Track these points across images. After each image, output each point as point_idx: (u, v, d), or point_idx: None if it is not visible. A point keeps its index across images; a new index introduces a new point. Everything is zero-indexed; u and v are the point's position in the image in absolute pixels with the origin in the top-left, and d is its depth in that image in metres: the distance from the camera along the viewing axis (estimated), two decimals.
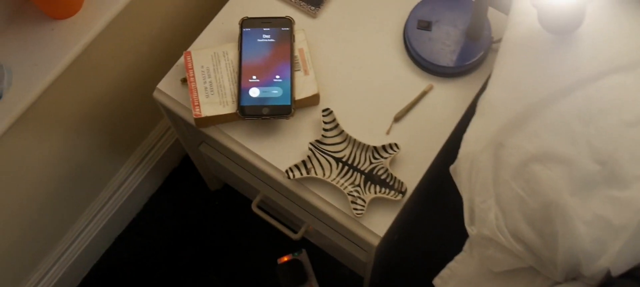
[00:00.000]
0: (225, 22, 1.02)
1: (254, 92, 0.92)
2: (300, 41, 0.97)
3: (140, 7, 1.03)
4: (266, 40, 0.96)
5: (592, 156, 0.70)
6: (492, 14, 0.99)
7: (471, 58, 0.96)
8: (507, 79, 0.80)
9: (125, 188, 1.25)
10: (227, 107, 0.93)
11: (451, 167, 0.83)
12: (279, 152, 0.93)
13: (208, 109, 0.92)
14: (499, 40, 0.86)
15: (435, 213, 1.28)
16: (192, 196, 1.34)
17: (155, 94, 0.99)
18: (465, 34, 0.98)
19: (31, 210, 1.06)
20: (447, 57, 0.96)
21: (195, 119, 0.93)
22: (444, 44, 0.97)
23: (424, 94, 0.97)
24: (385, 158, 0.90)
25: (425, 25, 0.99)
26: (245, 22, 0.98)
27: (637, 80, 0.74)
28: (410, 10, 1.01)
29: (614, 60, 0.75)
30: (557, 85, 0.75)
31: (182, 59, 0.97)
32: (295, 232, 1.07)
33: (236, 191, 1.29)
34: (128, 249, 1.30)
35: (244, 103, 0.92)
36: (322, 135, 0.92)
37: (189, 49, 0.98)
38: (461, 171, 0.80)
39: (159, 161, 1.29)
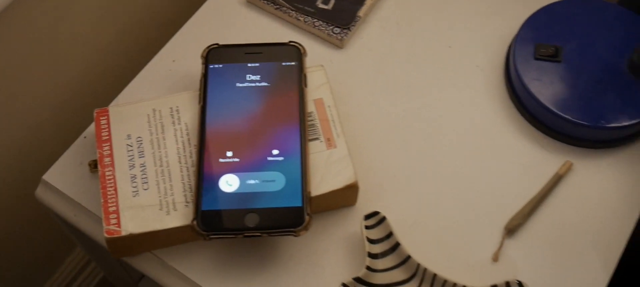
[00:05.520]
0: (179, 57, 0.57)
1: (230, 183, 0.46)
2: (318, 86, 0.52)
3: (19, 26, 0.57)
4: (253, 84, 0.51)
5: None
6: None
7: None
8: None
9: None
10: (175, 215, 0.46)
11: None
12: None
13: (134, 220, 0.46)
14: None
15: None
16: None
17: (39, 192, 0.52)
18: (627, 69, 0.53)
19: None
20: (595, 111, 0.51)
21: (108, 240, 0.46)
22: (586, 87, 0.52)
23: (557, 179, 0.51)
24: None
25: (551, 53, 0.54)
26: (214, 54, 0.52)
27: None
28: (518, 26, 0.56)
29: None
30: None
31: (92, 126, 0.52)
32: None
33: None
34: None
35: (208, 206, 0.45)
36: (368, 268, 0.47)
37: (107, 106, 0.52)
38: None
39: None
